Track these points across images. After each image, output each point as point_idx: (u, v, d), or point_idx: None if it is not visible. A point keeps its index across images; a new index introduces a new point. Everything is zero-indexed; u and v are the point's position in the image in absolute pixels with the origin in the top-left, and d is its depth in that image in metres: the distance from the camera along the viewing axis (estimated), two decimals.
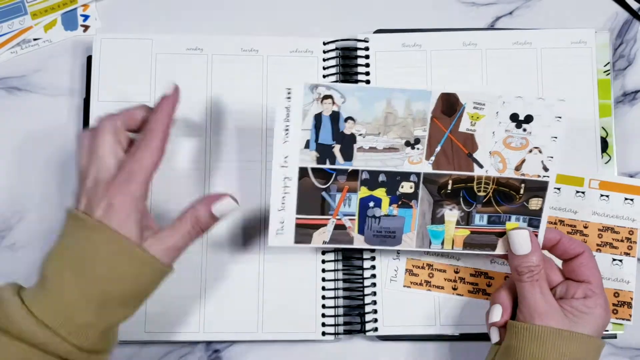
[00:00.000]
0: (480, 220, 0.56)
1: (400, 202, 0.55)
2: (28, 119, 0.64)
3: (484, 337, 0.60)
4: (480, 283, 0.61)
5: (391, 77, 0.64)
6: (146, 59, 0.64)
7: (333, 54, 0.64)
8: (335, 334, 0.60)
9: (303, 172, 0.54)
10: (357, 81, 0.64)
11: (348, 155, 0.54)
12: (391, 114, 0.53)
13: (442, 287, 0.61)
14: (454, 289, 0.61)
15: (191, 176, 0.62)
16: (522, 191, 0.55)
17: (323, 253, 0.61)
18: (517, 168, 0.54)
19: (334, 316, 0.60)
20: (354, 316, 0.61)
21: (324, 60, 0.64)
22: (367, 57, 0.64)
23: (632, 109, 0.66)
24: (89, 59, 0.64)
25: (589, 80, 0.64)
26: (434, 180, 0.55)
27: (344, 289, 0.61)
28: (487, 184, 0.54)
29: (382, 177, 0.54)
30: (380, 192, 0.55)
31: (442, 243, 0.56)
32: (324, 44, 0.64)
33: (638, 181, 0.62)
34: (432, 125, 0.53)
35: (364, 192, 0.55)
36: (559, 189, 0.62)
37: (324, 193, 0.54)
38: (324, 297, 0.61)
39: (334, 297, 0.61)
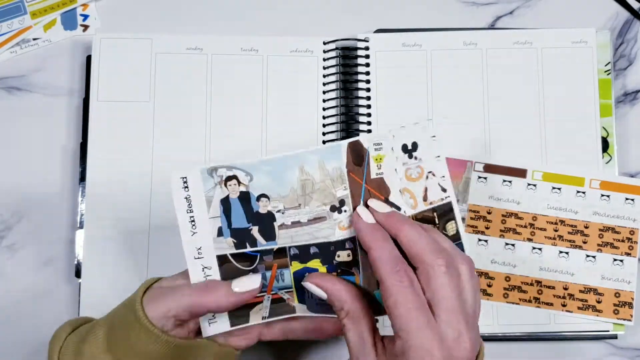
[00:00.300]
0: None
1: (339, 271, 0.48)
2: (27, 119, 0.64)
3: (485, 337, 0.60)
4: (480, 283, 0.61)
5: (391, 77, 0.64)
6: (146, 58, 0.63)
7: (333, 53, 0.64)
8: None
9: (222, 259, 0.47)
10: (357, 81, 0.64)
11: (269, 235, 0.47)
12: (308, 180, 0.46)
13: None
14: None
15: None
16: (437, 220, 0.50)
17: None
18: (425, 198, 0.49)
19: None
20: None
21: (324, 60, 0.64)
22: (367, 56, 0.64)
23: (633, 108, 0.66)
24: (89, 58, 0.63)
25: (590, 79, 0.64)
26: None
27: None
28: None
29: (313, 249, 0.48)
30: (314, 263, 0.48)
31: None
32: (324, 43, 0.64)
33: (639, 181, 0.62)
34: (350, 180, 0.47)
35: (296, 266, 0.48)
36: (559, 189, 0.62)
37: (251, 274, 0.48)
38: None
39: None
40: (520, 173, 0.62)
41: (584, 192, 0.62)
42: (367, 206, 0.47)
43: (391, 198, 0.48)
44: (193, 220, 0.47)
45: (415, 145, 0.49)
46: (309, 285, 0.47)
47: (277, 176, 0.46)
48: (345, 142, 0.47)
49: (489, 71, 0.64)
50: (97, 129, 0.62)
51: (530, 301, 0.61)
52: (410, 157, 0.49)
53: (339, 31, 0.65)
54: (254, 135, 0.63)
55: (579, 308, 0.60)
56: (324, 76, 0.64)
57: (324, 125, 0.63)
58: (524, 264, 0.61)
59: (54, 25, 0.66)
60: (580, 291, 0.61)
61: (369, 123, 0.63)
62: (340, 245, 0.48)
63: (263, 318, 0.49)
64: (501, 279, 0.61)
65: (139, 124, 0.62)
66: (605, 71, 0.64)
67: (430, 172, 0.50)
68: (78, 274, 0.60)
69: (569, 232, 0.61)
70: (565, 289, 0.61)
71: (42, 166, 0.63)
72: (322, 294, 0.46)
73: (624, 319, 0.60)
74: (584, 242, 0.61)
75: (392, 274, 0.43)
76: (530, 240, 0.61)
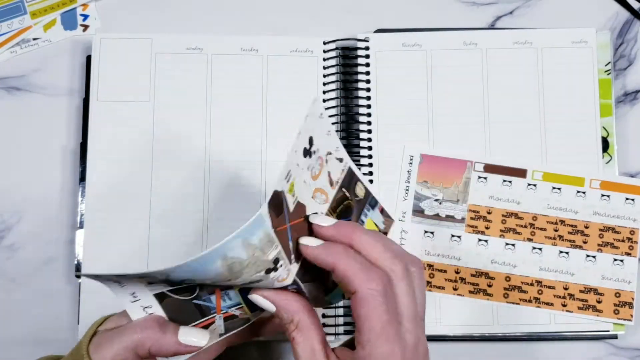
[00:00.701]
0: None
1: None
2: (27, 119, 0.64)
3: (485, 338, 0.60)
4: (481, 283, 0.61)
5: (391, 77, 0.64)
6: (146, 58, 0.63)
7: (333, 53, 0.64)
8: (335, 334, 0.60)
9: (161, 296, 0.44)
10: (357, 81, 0.63)
11: (209, 290, 0.45)
12: (234, 262, 0.40)
13: (443, 288, 0.61)
14: (455, 289, 0.61)
15: (191, 175, 0.62)
16: (348, 194, 0.48)
17: None
18: (331, 183, 0.46)
19: (334, 316, 0.60)
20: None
21: (324, 60, 0.64)
22: (367, 56, 0.64)
23: (633, 108, 0.66)
24: (89, 58, 0.63)
25: (590, 79, 0.64)
26: (311, 269, 0.44)
27: None
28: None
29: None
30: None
31: (343, 295, 0.49)
32: (324, 43, 0.64)
33: (639, 181, 0.62)
34: (279, 235, 0.41)
35: (240, 288, 0.44)
36: (559, 188, 0.62)
37: (195, 301, 0.45)
38: None
39: None
40: (520, 173, 0.62)
41: (584, 192, 0.62)
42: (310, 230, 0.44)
43: (308, 211, 0.44)
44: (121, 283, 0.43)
45: (311, 141, 0.44)
46: (255, 297, 0.43)
47: (198, 272, 0.40)
48: (265, 206, 0.39)
49: (489, 71, 0.64)
50: (97, 129, 0.62)
51: (530, 301, 0.61)
52: (310, 156, 0.44)
53: (339, 31, 0.65)
54: (254, 135, 0.63)
55: (579, 308, 0.60)
56: (324, 76, 0.64)
57: None
58: (524, 264, 0.61)
59: (54, 25, 0.66)
60: (581, 291, 0.61)
61: (368, 123, 0.63)
62: (282, 289, 0.44)
63: (220, 335, 0.47)
64: (501, 279, 0.61)
65: (139, 124, 0.62)
66: (606, 71, 0.64)
67: (327, 153, 0.46)
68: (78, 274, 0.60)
69: (569, 232, 0.61)
70: (566, 289, 0.61)
71: (42, 166, 0.63)
72: (270, 307, 0.43)
73: (624, 319, 0.60)
74: (584, 242, 0.61)
75: (367, 282, 0.41)
76: (530, 240, 0.61)
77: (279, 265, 0.42)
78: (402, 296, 0.42)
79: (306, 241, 0.43)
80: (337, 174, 0.47)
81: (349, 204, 0.48)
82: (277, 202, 0.41)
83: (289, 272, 0.43)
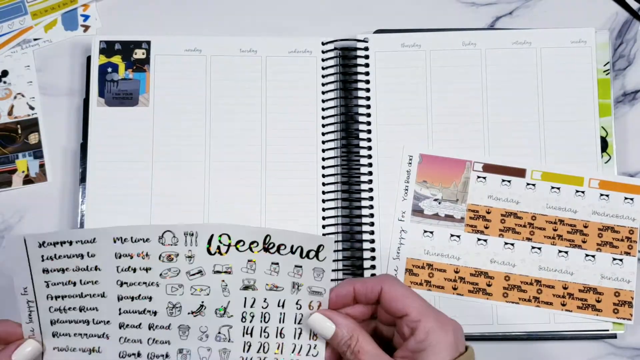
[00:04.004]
0: None
1: None
2: None
3: (485, 337, 0.60)
4: (480, 283, 0.61)
5: (391, 77, 0.64)
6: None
7: (332, 54, 0.64)
8: None
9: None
10: (357, 81, 0.64)
11: None
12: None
13: (442, 287, 0.61)
14: (454, 288, 0.61)
15: (191, 174, 0.62)
16: (19, 131, 0.56)
17: None
18: (10, 113, 0.55)
19: None
20: None
21: (323, 60, 0.64)
22: (366, 57, 0.64)
23: (632, 108, 0.66)
24: (89, 59, 0.64)
25: (589, 79, 0.64)
26: None
27: None
28: None
29: None
30: None
31: None
32: (323, 44, 0.64)
33: (638, 181, 0.62)
34: None
35: None
36: (558, 188, 0.62)
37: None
38: None
39: None
40: (520, 173, 0.62)
41: (583, 192, 0.62)
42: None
43: None
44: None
45: (5, 73, 0.54)
46: (317, 318, 0.49)
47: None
48: None
49: (488, 71, 0.64)
50: (98, 129, 0.62)
51: (529, 300, 0.61)
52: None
53: (338, 31, 0.65)
54: (253, 136, 0.63)
55: (578, 307, 0.60)
56: (323, 77, 0.64)
57: (323, 126, 0.63)
58: (524, 263, 0.61)
59: (54, 25, 0.66)
60: (580, 290, 0.61)
61: (368, 123, 0.63)
62: None
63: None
64: (500, 279, 0.61)
65: (139, 125, 0.63)
66: (605, 71, 0.64)
67: (19, 93, 0.54)
68: None
69: (568, 232, 0.61)
70: (565, 288, 0.61)
71: (43, 166, 0.64)
72: (331, 327, 0.49)
73: (624, 318, 0.60)
74: (584, 242, 0.61)
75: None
76: (529, 239, 0.61)
77: None
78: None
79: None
80: (20, 111, 0.59)
81: (15, 137, 0.57)
82: None
83: None
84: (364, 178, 0.62)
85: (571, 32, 0.65)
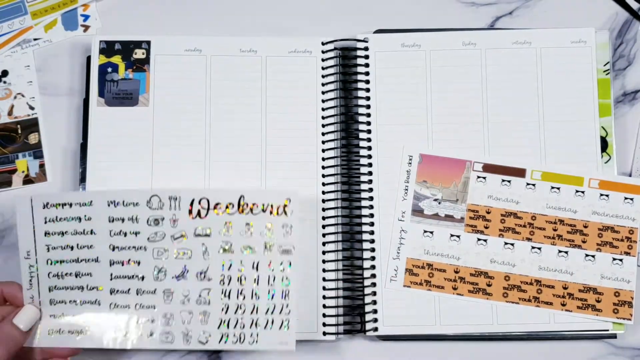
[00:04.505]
0: None
1: None
2: None
3: (485, 337, 0.60)
4: (480, 283, 0.61)
5: (390, 77, 0.64)
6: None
7: (332, 54, 0.64)
8: (336, 333, 0.60)
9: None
10: (356, 81, 0.64)
11: None
12: None
13: (442, 287, 0.61)
14: (454, 288, 0.61)
15: (191, 175, 0.62)
16: (19, 131, 0.59)
17: (323, 253, 0.61)
18: (10, 113, 0.57)
19: (335, 316, 0.60)
20: (354, 316, 0.61)
21: (323, 60, 0.64)
22: (366, 57, 0.64)
23: (632, 108, 0.66)
24: (89, 59, 0.64)
25: (589, 79, 0.64)
26: None
27: (344, 289, 0.61)
28: None
29: None
30: None
31: None
32: (323, 44, 0.64)
33: (638, 180, 0.62)
34: None
35: None
36: (558, 188, 0.62)
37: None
38: (324, 297, 0.60)
39: (335, 297, 0.60)
40: (519, 172, 0.62)
41: (583, 192, 0.62)
42: None
43: None
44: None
45: (5, 73, 0.58)
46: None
47: None
48: None
49: (488, 71, 0.64)
50: (98, 129, 0.62)
51: (529, 300, 0.61)
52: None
53: (338, 31, 0.65)
54: (253, 136, 0.63)
55: (578, 307, 0.60)
56: (323, 76, 0.64)
57: (323, 126, 0.63)
58: (523, 263, 0.61)
59: (54, 25, 0.66)
60: (580, 290, 0.61)
61: (368, 123, 0.63)
62: None
63: None
64: (500, 279, 0.61)
65: (139, 125, 0.63)
66: (604, 71, 0.64)
67: (19, 93, 0.58)
68: None
69: (568, 232, 0.61)
70: (565, 288, 0.61)
71: (43, 166, 0.64)
72: None
73: (624, 318, 0.60)
74: (583, 242, 0.61)
75: None
76: (529, 239, 0.61)
77: None
78: None
79: None
80: (20, 111, 0.62)
81: (14, 137, 0.60)
82: None
83: None
84: (364, 178, 0.62)
85: (571, 32, 0.65)
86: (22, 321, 0.53)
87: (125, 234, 0.54)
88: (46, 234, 0.55)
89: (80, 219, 0.54)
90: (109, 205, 0.54)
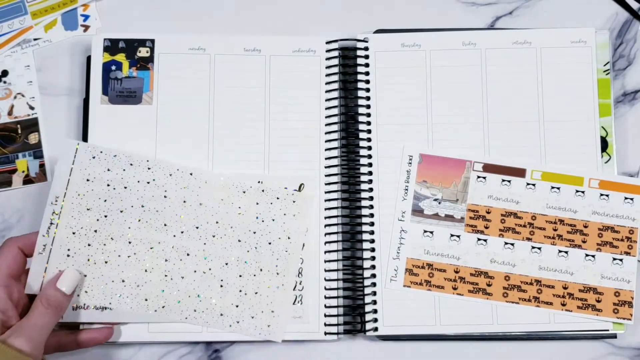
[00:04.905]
0: None
1: None
2: None
3: (485, 337, 0.60)
4: (480, 282, 0.61)
5: (391, 77, 0.64)
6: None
7: (335, 53, 0.64)
8: (336, 333, 0.60)
9: None
10: (357, 81, 0.64)
11: None
12: None
13: (442, 287, 0.61)
14: (454, 288, 0.61)
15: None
16: (19, 131, 0.61)
17: (325, 253, 0.61)
18: (10, 113, 0.59)
19: (336, 316, 0.60)
20: (354, 316, 0.61)
21: (327, 59, 0.64)
22: (366, 57, 0.64)
23: (632, 108, 0.66)
24: (89, 59, 0.64)
25: (589, 79, 0.64)
26: None
27: (344, 289, 0.61)
28: None
29: None
30: None
31: None
32: (327, 43, 0.64)
33: (638, 180, 0.62)
34: None
35: None
36: (558, 188, 0.62)
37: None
38: (325, 297, 0.60)
39: (336, 297, 0.61)
40: (520, 172, 0.62)
41: (583, 192, 0.62)
42: None
43: None
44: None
45: (5, 73, 0.59)
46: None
47: None
48: None
49: (488, 71, 0.64)
50: (98, 129, 0.62)
51: (529, 300, 0.61)
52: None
53: (339, 31, 0.65)
54: (256, 135, 0.63)
55: (578, 307, 0.60)
56: (326, 75, 0.64)
57: (326, 125, 0.63)
58: (524, 263, 0.61)
59: (54, 25, 0.66)
60: (580, 290, 0.61)
61: (368, 123, 0.63)
62: None
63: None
64: (500, 278, 0.61)
65: (141, 124, 0.63)
66: (605, 71, 0.64)
67: (19, 93, 0.60)
68: None
69: (568, 232, 0.61)
70: (565, 288, 0.61)
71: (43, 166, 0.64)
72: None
73: (624, 318, 0.60)
74: (584, 242, 0.61)
75: None
76: (529, 239, 0.61)
77: None
78: None
79: None
80: (20, 111, 0.64)
81: (14, 137, 0.62)
82: None
83: None
84: (364, 178, 0.62)
85: (571, 32, 0.65)
86: (64, 284, 0.54)
87: (156, 199, 0.59)
88: (78, 183, 0.58)
89: (117, 178, 0.59)
90: (148, 169, 0.60)
